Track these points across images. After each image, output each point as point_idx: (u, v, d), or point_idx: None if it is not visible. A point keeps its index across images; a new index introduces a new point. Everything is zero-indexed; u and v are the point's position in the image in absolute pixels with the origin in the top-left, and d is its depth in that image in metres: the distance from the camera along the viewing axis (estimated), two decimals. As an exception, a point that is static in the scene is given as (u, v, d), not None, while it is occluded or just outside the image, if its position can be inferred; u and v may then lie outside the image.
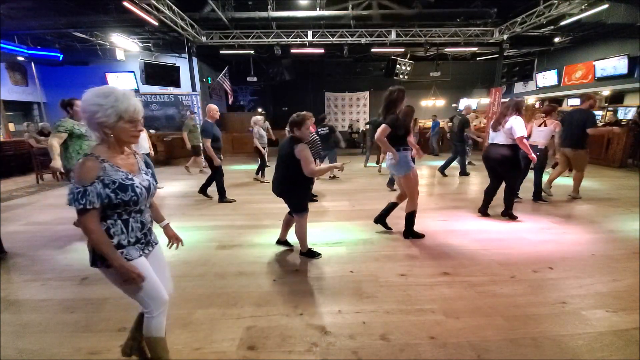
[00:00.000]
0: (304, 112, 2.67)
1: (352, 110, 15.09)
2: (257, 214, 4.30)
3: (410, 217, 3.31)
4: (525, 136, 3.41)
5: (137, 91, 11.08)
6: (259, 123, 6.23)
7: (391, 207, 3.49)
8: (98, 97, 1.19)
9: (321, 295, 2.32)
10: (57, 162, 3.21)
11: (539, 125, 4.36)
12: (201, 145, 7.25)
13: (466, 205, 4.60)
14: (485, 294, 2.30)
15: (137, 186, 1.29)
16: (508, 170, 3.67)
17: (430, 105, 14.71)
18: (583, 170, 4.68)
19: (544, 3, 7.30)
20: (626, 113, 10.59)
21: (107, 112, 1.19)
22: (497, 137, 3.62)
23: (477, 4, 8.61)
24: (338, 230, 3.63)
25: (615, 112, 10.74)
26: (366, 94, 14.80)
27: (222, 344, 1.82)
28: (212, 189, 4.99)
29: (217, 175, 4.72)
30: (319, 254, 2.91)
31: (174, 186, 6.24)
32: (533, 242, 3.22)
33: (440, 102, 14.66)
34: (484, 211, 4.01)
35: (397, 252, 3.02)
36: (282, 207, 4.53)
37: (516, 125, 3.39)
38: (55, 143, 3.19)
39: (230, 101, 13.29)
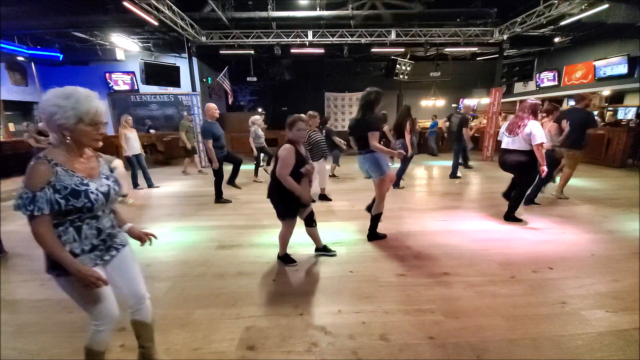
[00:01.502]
0: (297, 116, 2.52)
1: (352, 110, 15.07)
2: (257, 214, 4.29)
3: (375, 220, 3.29)
4: (545, 143, 3.29)
5: (136, 91, 11.08)
6: (257, 122, 6.20)
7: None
8: (58, 98, 1.15)
9: (321, 295, 2.32)
10: None
11: None
12: (198, 145, 7.29)
13: (466, 205, 4.60)
14: (484, 294, 2.30)
15: (92, 192, 1.23)
16: (524, 176, 3.58)
17: (430, 105, 14.71)
18: (573, 169, 4.62)
19: (544, 3, 7.28)
20: (626, 113, 10.58)
21: (67, 114, 1.15)
22: (514, 143, 3.45)
23: (477, 4, 8.60)
24: (338, 230, 3.63)
25: (615, 112, 10.73)
26: (366, 94, 14.79)
27: (221, 344, 1.82)
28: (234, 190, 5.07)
29: (217, 176, 4.72)
30: (294, 262, 2.80)
31: (173, 186, 6.24)
32: (533, 242, 3.22)
33: (440, 102, 14.66)
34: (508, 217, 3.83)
35: (396, 252, 3.01)
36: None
37: (536, 130, 3.25)
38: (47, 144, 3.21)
39: (230, 101, 13.29)
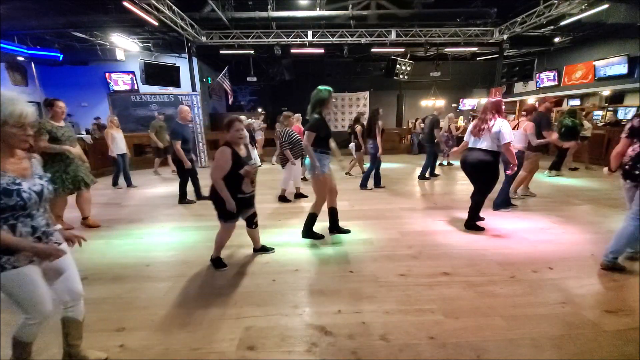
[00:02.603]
0: (235, 116, 2.54)
1: (352, 110, 15.03)
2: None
3: (311, 218, 3.23)
4: (513, 141, 3.17)
5: (136, 91, 11.08)
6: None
7: (331, 212, 3.41)
8: None
9: (321, 295, 2.32)
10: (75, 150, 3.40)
11: (513, 128, 4.00)
12: (167, 145, 7.35)
13: (466, 205, 4.58)
14: (484, 294, 2.30)
15: (24, 191, 1.27)
16: (484, 177, 3.33)
17: (430, 105, 14.71)
18: (529, 172, 4.58)
19: (544, 3, 7.29)
20: (626, 113, 10.58)
21: None
22: (480, 143, 3.26)
23: (477, 4, 8.61)
24: (338, 230, 3.62)
25: (615, 112, 10.73)
26: (366, 94, 14.76)
27: (221, 344, 1.82)
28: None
29: (183, 177, 4.69)
30: (225, 266, 2.73)
31: (173, 186, 6.22)
32: (533, 242, 3.22)
33: (440, 102, 14.67)
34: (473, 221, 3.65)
35: (396, 252, 3.01)
36: (281, 207, 4.54)
37: (505, 129, 3.09)
38: (46, 144, 3.25)
39: (230, 101, 13.31)
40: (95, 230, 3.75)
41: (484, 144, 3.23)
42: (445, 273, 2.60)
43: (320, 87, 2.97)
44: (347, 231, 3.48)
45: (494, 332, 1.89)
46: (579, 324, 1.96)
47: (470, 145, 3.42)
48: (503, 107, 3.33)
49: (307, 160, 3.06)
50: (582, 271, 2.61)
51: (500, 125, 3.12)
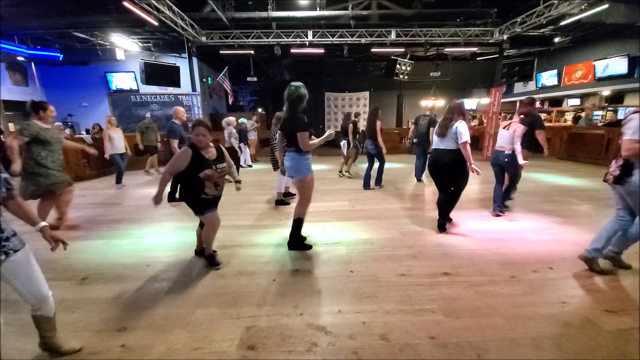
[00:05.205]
0: (202, 120, 2.57)
1: (352, 110, 15.07)
2: (257, 214, 4.30)
3: (297, 225, 3.02)
4: (469, 142, 3.20)
5: (136, 91, 11.09)
6: (232, 124, 6.16)
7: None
8: None
9: (321, 295, 2.32)
10: (17, 165, 3.21)
11: (504, 128, 3.93)
12: (156, 145, 7.36)
13: (466, 205, 4.59)
14: (485, 294, 2.30)
15: None
16: (457, 175, 3.41)
17: (430, 106, 14.71)
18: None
19: (544, 3, 7.29)
20: (626, 113, 10.56)
21: None
22: (444, 143, 3.34)
23: (477, 4, 8.61)
24: (338, 230, 3.63)
25: (615, 112, 10.74)
26: (366, 94, 14.81)
27: (222, 344, 1.82)
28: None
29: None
30: (218, 265, 2.72)
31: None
32: (533, 242, 3.22)
33: (440, 102, 14.67)
34: (443, 225, 3.59)
35: (397, 252, 3.01)
36: (281, 207, 4.54)
37: (462, 129, 3.18)
38: (15, 145, 3.23)
39: (230, 101, 13.31)
40: (95, 230, 3.75)
41: (447, 144, 3.33)
42: (446, 273, 2.60)
43: (294, 83, 2.83)
44: (309, 247, 3.11)
45: (495, 332, 1.89)
46: (580, 323, 1.96)
47: (434, 147, 3.50)
48: (466, 110, 3.46)
49: (288, 163, 2.93)
50: (583, 271, 2.61)
51: (459, 126, 3.22)
